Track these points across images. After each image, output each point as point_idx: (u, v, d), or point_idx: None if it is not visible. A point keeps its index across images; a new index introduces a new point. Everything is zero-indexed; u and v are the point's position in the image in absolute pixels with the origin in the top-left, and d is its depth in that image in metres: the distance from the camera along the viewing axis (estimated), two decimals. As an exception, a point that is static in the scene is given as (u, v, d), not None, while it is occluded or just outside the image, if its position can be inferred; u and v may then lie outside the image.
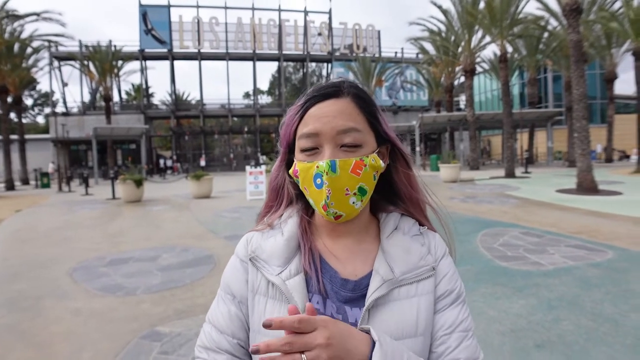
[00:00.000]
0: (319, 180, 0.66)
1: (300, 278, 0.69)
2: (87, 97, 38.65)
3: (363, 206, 0.70)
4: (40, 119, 55.79)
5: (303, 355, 0.52)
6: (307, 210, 0.79)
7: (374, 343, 0.57)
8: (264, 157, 26.51)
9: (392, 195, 0.80)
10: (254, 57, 39.23)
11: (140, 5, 36.76)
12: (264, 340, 0.64)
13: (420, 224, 0.78)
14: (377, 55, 40.73)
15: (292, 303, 0.65)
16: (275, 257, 0.71)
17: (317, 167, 0.66)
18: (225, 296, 0.75)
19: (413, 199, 0.78)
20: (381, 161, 0.71)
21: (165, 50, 37.41)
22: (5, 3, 21.69)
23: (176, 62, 39.77)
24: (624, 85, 61.39)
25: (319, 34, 40.56)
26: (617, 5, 21.02)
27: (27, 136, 29.50)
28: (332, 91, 0.70)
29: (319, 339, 0.53)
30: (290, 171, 0.73)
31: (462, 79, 29.53)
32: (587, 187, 11.94)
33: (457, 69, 29.81)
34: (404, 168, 0.77)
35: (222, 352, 0.70)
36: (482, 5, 22.06)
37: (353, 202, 0.67)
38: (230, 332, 0.71)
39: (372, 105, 0.72)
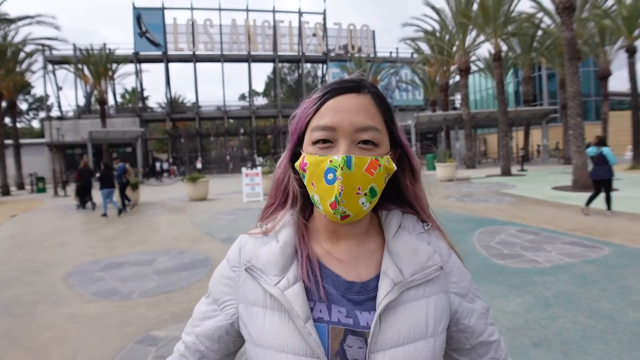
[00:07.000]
0: (331, 176, 0.62)
1: (299, 287, 0.65)
2: (81, 101, 38.52)
3: (370, 208, 0.66)
4: (35, 124, 55.49)
5: None
6: (304, 213, 0.74)
7: None
8: (261, 159, 26.49)
9: (394, 195, 0.77)
10: (249, 59, 39.21)
11: (134, 8, 36.66)
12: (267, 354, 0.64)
13: (422, 221, 0.75)
14: (372, 55, 40.80)
15: (293, 313, 0.63)
16: (271, 265, 0.67)
17: (331, 161, 0.62)
18: (207, 301, 0.75)
19: (416, 202, 0.76)
20: (394, 164, 0.69)
21: (159, 52, 37.32)
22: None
23: (171, 65, 39.68)
24: (618, 82, 61.76)
25: (314, 35, 40.54)
26: (610, 2, 21.12)
27: (22, 141, 29.33)
28: (354, 86, 0.67)
29: None
30: (297, 164, 0.69)
31: (457, 78, 29.59)
32: (583, 183, 12.00)
33: (452, 68, 29.83)
34: (410, 179, 0.74)
35: (189, 348, 0.73)
36: (475, 5, 22.12)
37: (362, 203, 0.64)
38: (201, 334, 0.73)
39: (390, 106, 0.71)
